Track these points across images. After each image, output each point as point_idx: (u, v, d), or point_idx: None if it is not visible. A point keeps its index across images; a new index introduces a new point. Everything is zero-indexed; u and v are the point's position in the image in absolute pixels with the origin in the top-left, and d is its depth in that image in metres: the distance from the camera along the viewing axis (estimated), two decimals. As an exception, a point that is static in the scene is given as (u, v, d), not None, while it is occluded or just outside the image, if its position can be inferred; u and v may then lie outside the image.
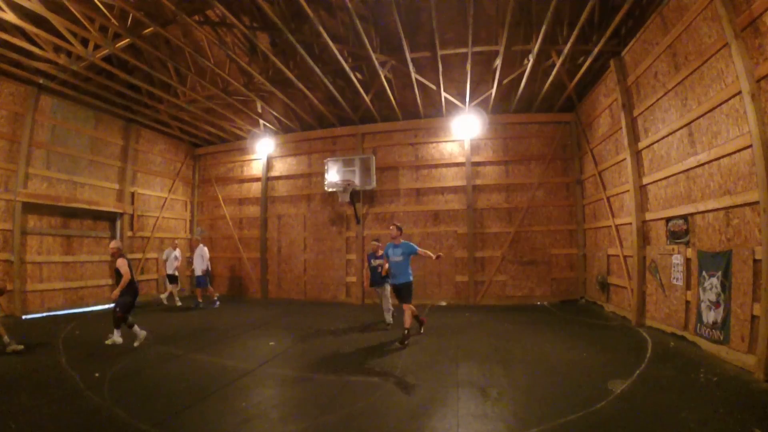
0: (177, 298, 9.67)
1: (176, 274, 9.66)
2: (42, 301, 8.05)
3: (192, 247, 12.03)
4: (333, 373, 4.49)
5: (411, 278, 5.94)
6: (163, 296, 9.96)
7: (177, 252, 9.70)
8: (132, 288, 5.78)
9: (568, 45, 6.72)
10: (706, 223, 4.84)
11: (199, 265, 9.31)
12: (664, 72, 5.63)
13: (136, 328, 5.71)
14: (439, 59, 7.56)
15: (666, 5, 5.40)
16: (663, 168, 5.77)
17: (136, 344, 5.57)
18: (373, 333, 6.48)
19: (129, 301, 5.75)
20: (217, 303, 9.45)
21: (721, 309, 4.48)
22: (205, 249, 9.57)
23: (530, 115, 9.64)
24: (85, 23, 6.18)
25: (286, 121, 10.51)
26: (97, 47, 6.82)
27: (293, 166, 11.28)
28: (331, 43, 6.60)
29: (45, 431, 3.08)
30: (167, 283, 9.83)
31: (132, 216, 10.24)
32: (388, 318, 6.87)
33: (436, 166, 10.08)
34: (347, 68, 7.49)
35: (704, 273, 4.79)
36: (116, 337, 5.69)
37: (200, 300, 9.37)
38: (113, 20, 6.18)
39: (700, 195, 4.95)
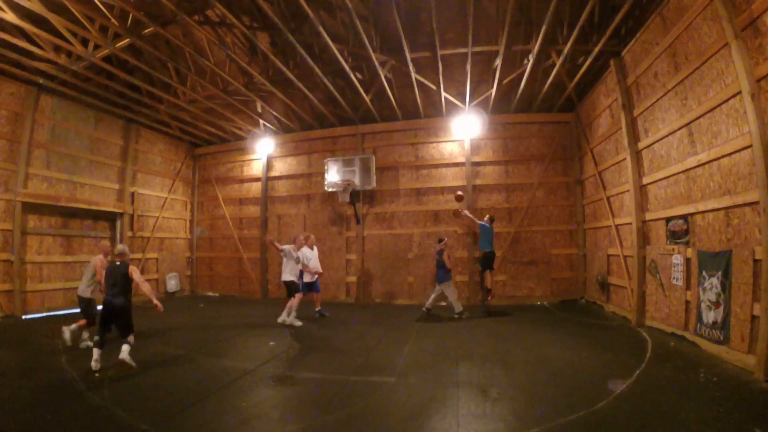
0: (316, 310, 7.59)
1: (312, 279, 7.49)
2: (42, 301, 8.05)
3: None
4: (333, 373, 4.48)
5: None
6: (286, 318, 6.99)
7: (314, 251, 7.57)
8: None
9: (568, 45, 6.72)
10: (706, 223, 4.84)
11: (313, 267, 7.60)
12: (664, 72, 5.63)
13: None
14: (439, 59, 7.56)
15: (666, 5, 5.40)
16: (663, 168, 5.77)
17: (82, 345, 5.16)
18: (374, 332, 6.48)
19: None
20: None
21: (721, 309, 4.47)
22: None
23: (530, 115, 9.64)
24: (85, 23, 6.18)
25: (286, 121, 10.51)
26: (97, 47, 6.82)
27: (293, 166, 11.27)
28: (331, 43, 6.60)
29: (45, 431, 3.08)
30: (294, 292, 7.06)
31: (132, 216, 10.24)
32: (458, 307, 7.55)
33: (436, 166, 10.08)
34: (347, 68, 7.49)
35: (704, 273, 4.79)
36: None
37: (318, 307, 7.84)
38: (113, 20, 6.18)
39: (700, 195, 4.94)
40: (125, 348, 4.50)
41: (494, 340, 5.87)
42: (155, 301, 4.64)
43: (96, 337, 4.58)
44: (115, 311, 4.59)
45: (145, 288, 4.63)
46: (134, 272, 4.71)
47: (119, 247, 5.07)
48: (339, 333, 6.56)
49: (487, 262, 7.97)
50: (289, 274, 7.09)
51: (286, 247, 7.20)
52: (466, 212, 8.39)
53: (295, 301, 7.01)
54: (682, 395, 3.55)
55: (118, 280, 4.66)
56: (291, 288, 7.09)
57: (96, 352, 4.46)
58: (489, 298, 8.08)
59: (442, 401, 3.64)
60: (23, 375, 4.35)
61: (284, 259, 7.19)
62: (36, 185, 8.08)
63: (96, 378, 4.20)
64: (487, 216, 8.39)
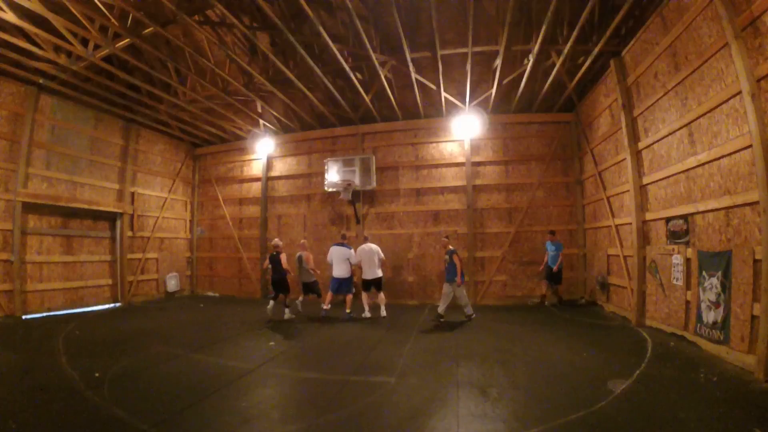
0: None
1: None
2: (42, 301, 8.05)
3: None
4: (333, 373, 4.49)
5: None
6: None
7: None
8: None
9: (568, 45, 6.72)
10: (706, 223, 4.84)
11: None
12: (664, 72, 5.63)
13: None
14: (439, 59, 7.56)
15: (666, 5, 5.40)
16: (663, 168, 5.77)
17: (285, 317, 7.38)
18: (374, 332, 6.48)
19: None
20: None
21: (721, 309, 4.47)
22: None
23: (530, 115, 9.64)
24: (85, 23, 6.18)
25: (286, 121, 10.51)
26: (97, 47, 6.82)
27: (293, 166, 11.27)
28: (331, 43, 6.60)
29: (45, 431, 3.08)
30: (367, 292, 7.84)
31: (132, 216, 10.23)
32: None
33: (436, 166, 10.08)
34: (347, 68, 7.49)
35: (704, 273, 4.79)
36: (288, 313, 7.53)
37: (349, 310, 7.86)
38: (113, 20, 6.19)
39: (700, 195, 4.94)
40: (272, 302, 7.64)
41: (494, 339, 5.87)
42: (293, 273, 7.95)
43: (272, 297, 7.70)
44: (277, 283, 7.64)
45: (289, 267, 7.71)
46: (282, 259, 7.51)
47: (274, 241, 7.96)
48: (339, 332, 6.57)
49: (557, 276, 8.40)
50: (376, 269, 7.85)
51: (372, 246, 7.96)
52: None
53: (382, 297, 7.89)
54: (682, 395, 3.55)
55: (275, 265, 7.52)
56: (381, 283, 7.94)
57: (273, 305, 7.60)
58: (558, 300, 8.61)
59: (442, 401, 3.64)
60: (23, 375, 4.35)
61: (374, 257, 7.87)
62: (36, 185, 8.07)
63: (96, 378, 4.20)
64: (549, 232, 8.61)
